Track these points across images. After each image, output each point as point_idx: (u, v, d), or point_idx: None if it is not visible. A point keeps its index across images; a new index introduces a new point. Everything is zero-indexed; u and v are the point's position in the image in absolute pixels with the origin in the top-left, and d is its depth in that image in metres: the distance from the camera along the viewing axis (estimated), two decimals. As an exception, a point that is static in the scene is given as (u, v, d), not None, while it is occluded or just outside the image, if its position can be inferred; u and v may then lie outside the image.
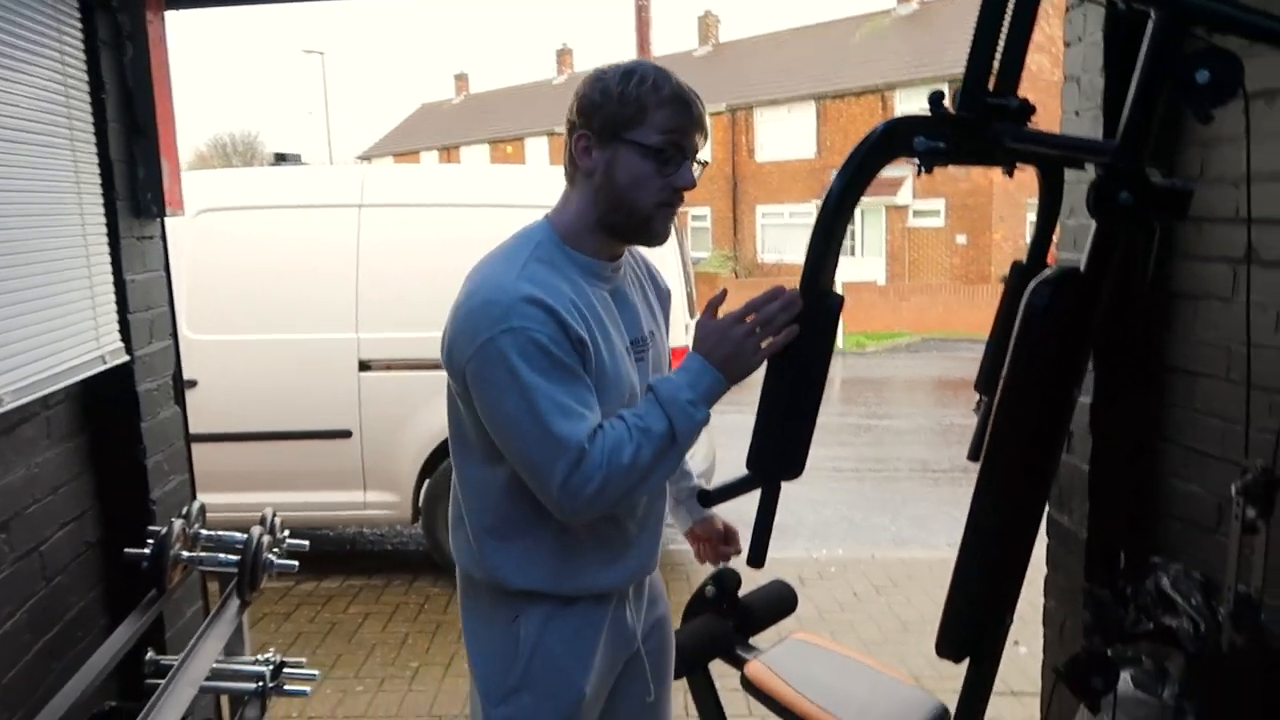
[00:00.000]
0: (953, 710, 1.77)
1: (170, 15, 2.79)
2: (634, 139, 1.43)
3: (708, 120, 1.52)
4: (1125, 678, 2.04)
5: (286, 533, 2.65)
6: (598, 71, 1.49)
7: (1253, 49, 1.33)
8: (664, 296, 1.75)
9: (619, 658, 1.66)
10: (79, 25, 2.42)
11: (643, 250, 1.68)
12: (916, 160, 1.39)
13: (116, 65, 2.61)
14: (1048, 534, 2.65)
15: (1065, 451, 2.48)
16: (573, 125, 1.48)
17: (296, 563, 2.56)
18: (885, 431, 9.10)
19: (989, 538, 1.51)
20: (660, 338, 1.67)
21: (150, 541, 2.35)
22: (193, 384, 4.06)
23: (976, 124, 1.39)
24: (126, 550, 2.38)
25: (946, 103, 1.40)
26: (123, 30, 2.60)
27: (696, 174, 1.49)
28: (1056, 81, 2.61)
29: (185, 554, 2.43)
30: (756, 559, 1.49)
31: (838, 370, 12.91)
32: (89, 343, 2.43)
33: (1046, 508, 2.43)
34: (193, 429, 3.07)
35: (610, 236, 1.51)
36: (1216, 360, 2.11)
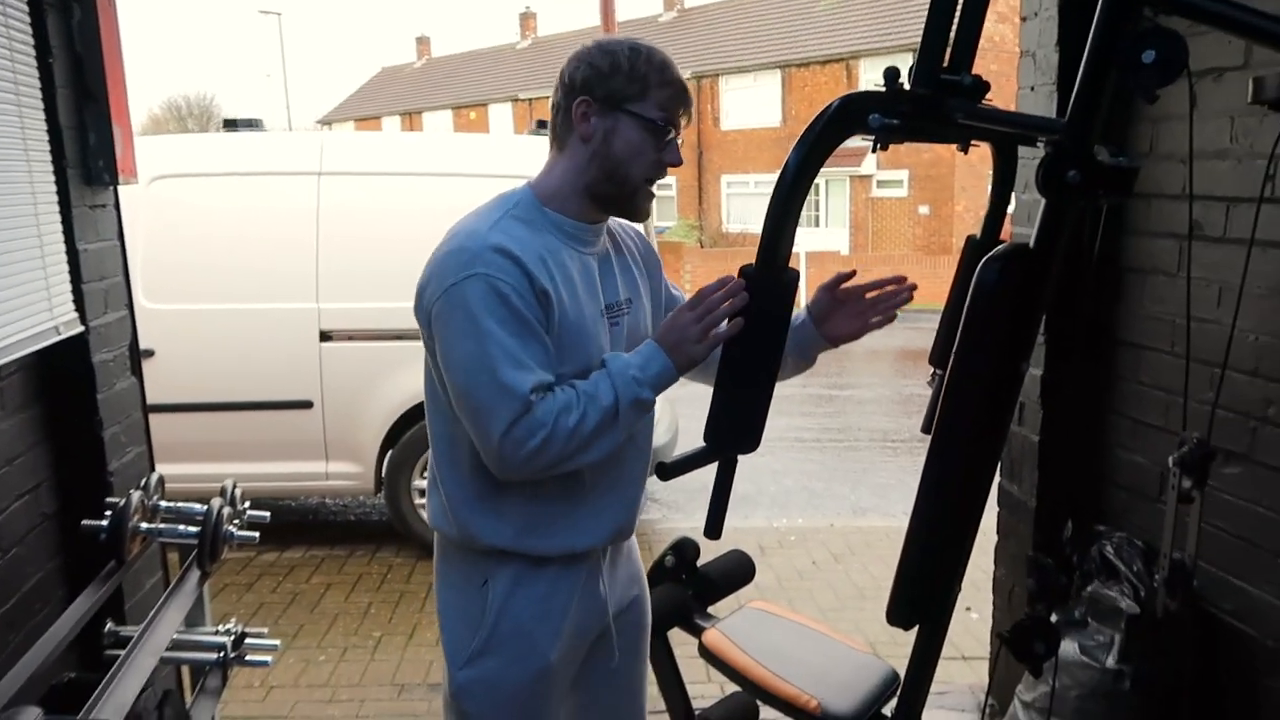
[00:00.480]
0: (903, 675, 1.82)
1: (120, -23, 2.73)
2: (636, 111, 1.49)
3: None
4: (1074, 645, 2.11)
5: (247, 504, 2.64)
6: (605, 44, 1.54)
7: (1197, 28, 1.36)
8: (654, 264, 1.76)
9: (590, 629, 1.66)
10: (23, -13, 2.36)
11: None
12: (872, 137, 1.40)
13: (64, 28, 2.55)
14: (999, 503, 2.72)
15: (1017, 423, 2.54)
16: (571, 91, 1.52)
17: (257, 534, 2.55)
18: (847, 401, 9.20)
19: (938, 508, 1.55)
20: (640, 305, 1.67)
21: (108, 513, 2.33)
22: (150, 354, 4.01)
23: (930, 100, 1.40)
24: (84, 522, 2.36)
25: (902, 79, 1.41)
26: (70, -8, 2.54)
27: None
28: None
29: (144, 526, 2.42)
30: (713, 530, 1.51)
31: (801, 340, 12.97)
32: (42, 314, 2.39)
33: (996, 478, 2.49)
34: (150, 400, 3.04)
35: (594, 204, 1.55)
36: (1161, 334, 2.17)
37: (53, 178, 2.47)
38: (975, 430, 1.54)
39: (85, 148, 2.62)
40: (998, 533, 2.77)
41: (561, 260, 1.50)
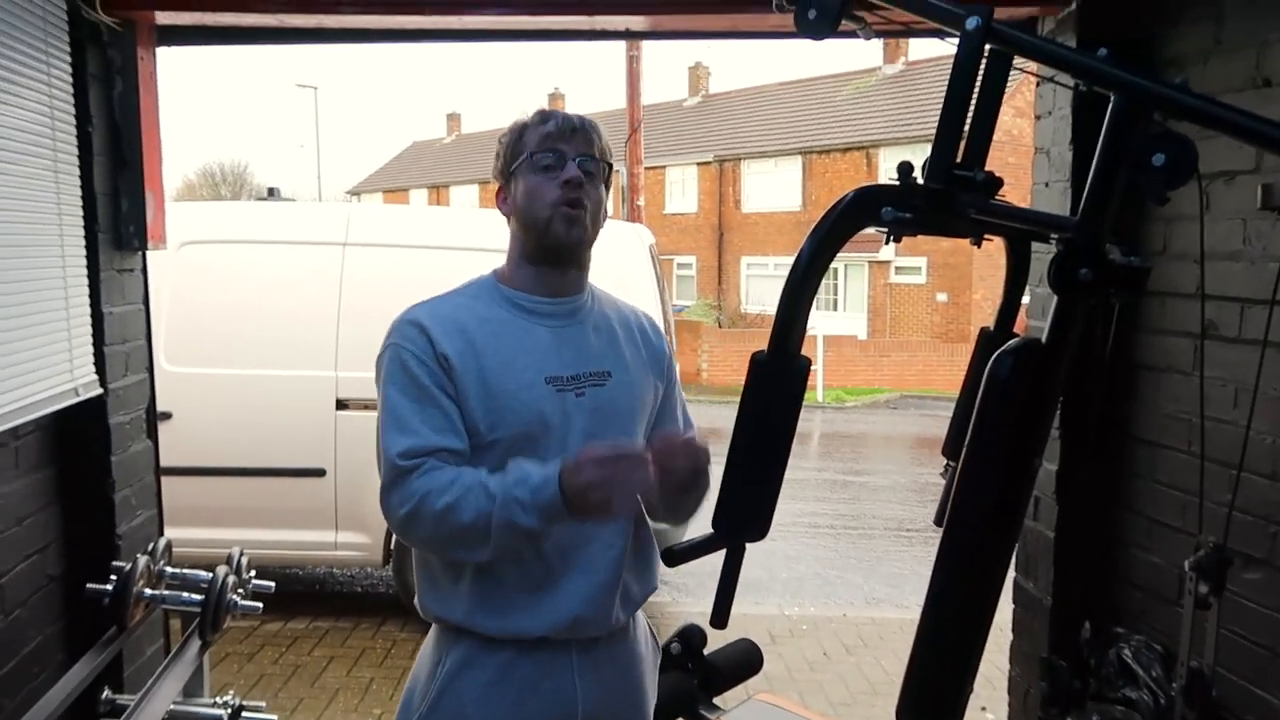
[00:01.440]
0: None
1: (162, 49, 2.83)
2: (520, 161, 1.57)
3: (591, 128, 1.59)
4: (1089, 747, 2.04)
5: (253, 573, 2.63)
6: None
7: (1208, 131, 1.38)
8: (658, 358, 1.70)
9: None
10: (68, 59, 2.45)
11: (635, 306, 1.74)
12: (885, 229, 1.42)
13: (105, 99, 2.64)
14: (1014, 600, 2.66)
15: (1032, 518, 2.50)
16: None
17: (260, 605, 2.53)
18: (862, 488, 9.10)
19: (949, 604, 1.52)
20: (623, 380, 1.61)
21: (113, 577, 2.33)
22: (167, 416, 4.03)
23: (943, 195, 1.42)
24: (89, 585, 2.35)
25: (915, 173, 1.43)
26: (113, 65, 2.63)
27: (600, 176, 1.57)
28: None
29: (149, 591, 2.41)
30: (719, 620, 1.48)
31: (816, 424, 12.94)
32: (63, 374, 2.42)
33: (1011, 574, 2.45)
34: (165, 462, 3.05)
35: (536, 264, 1.58)
36: (1178, 432, 2.15)
37: (83, 241, 2.53)
38: (987, 525, 1.51)
39: (118, 213, 2.69)
40: (1013, 630, 2.71)
41: (497, 329, 1.54)
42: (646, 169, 16.27)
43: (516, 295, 1.59)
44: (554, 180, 1.53)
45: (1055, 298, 1.48)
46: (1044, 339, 1.50)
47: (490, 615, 1.51)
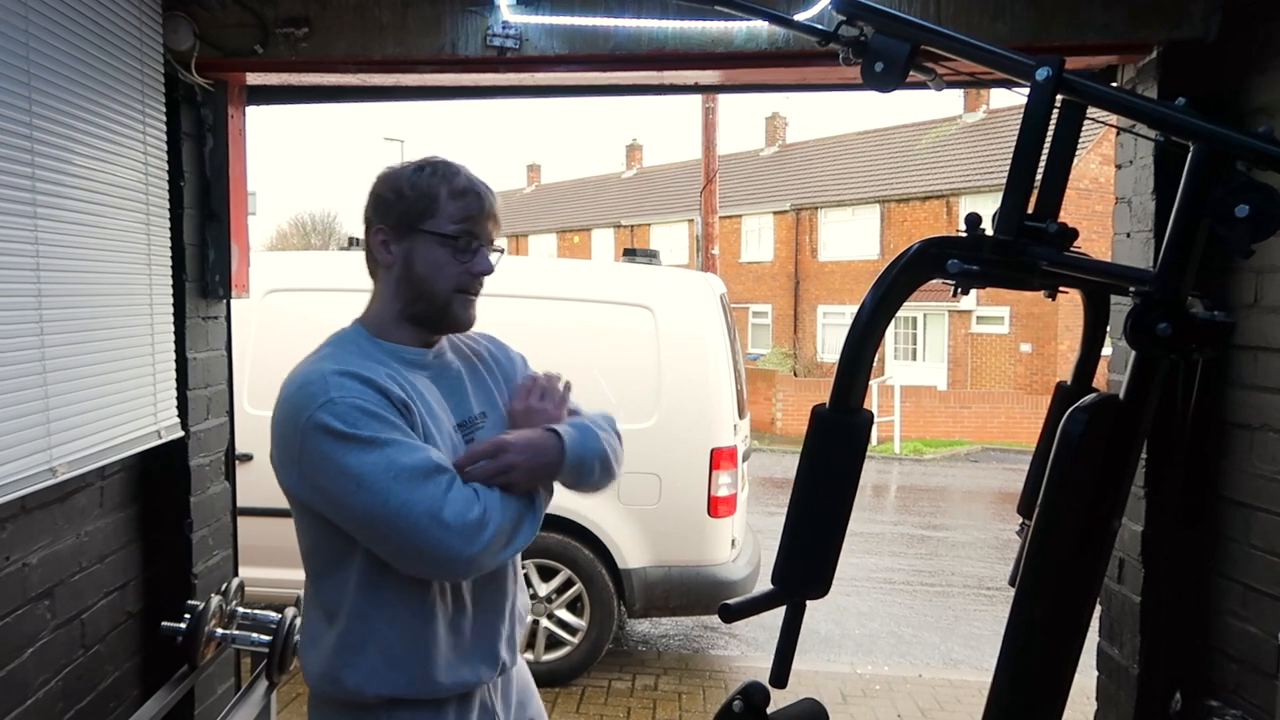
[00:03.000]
0: None
1: (251, 107, 2.96)
2: (430, 229, 1.48)
3: (498, 209, 1.54)
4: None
5: (320, 615, 2.66)
6: (389, 169, 1.54)
7: (1297, 184, 1.32)
8: (509, 368, 1.68)
9: None
10: (163, 118, 2.57)
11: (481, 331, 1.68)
12: (951, 282, 1.39)
13: (196, 156, 2.76)
14: (1098, 667, 2.54)
15: (1116, 581, 2.39)
16: (370, 222, 1.54)
17: (326, 647, 2.56)
18: (940, 543, 8.84)
19: (1022, 670, 1.45)
20: (497, 417, 1.59)
21: (187, 616, 2.38)
22: (249, 458, 4.14)
23: (1013, 247, 1.38)
24: (164, 624, 2.41)
25: (984, 225, 1.40)
26: (204, 123, 2.76)
27: (495, 261, 1.53)
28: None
29: (220, 631, 2.45)
30: (779, 679, 1.44)
31: (893, 476, 12.64)
32: (147, 417, 2.51)
33: (1094, 639, 2.34)
34: (246, 502, 3.13)
35: (415, 326, 1.53)
36: (1273, 494, 2.04)
37: (170, 290, 2.63)
38: (1062, 589, 1.45)
39: (204, 264, 2.80)
40: (1097, 699, 2.58)
41: (409, 381, 1.48)
42: (722, 218, 16.29)
43: (399, 349, 1.52)
44: (463, 264, 1.49)
45: (1133, 353, 1.43)
46: (1122, 395, 1.44)
47: (434, 676, 1.45)
